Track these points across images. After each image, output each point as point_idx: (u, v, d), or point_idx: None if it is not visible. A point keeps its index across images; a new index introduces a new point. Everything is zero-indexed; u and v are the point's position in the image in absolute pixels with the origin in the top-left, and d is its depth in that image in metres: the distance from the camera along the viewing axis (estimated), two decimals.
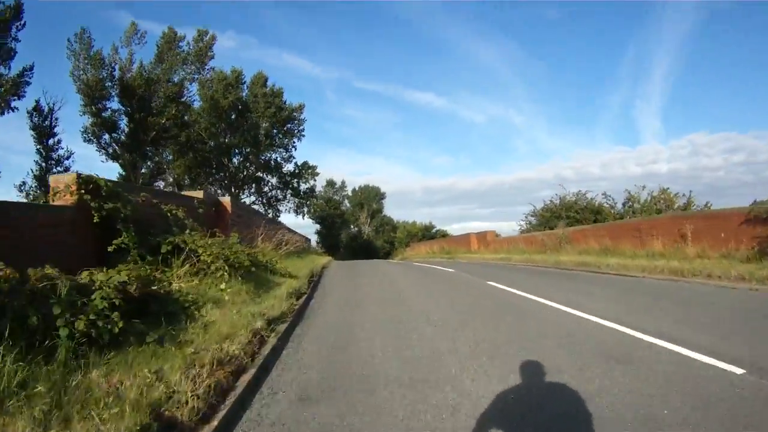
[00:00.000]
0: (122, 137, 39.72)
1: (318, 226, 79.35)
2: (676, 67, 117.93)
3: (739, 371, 4.56)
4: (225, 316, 6.60)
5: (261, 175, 51.88)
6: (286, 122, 50.29)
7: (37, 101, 36.20)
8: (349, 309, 9.27)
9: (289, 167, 52.96)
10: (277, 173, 52.61)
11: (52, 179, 8.33)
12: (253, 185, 51.65)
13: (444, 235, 71.76)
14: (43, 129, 36.34)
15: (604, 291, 10.32)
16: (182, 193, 12.88)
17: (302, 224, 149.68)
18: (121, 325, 4.79)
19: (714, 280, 10.85)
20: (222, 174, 49.92)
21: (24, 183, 36.71)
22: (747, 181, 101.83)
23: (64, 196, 7.75)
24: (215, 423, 3.71)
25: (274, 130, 50.14)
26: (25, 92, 33.25)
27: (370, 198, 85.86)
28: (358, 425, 3.71)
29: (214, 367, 4.54)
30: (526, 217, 31.71)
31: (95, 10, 62.99)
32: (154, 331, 5.19)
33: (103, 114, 38.51)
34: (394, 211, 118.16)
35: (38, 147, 36.31)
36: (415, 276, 15.23)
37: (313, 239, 76.95)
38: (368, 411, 3.96)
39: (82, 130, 39.05)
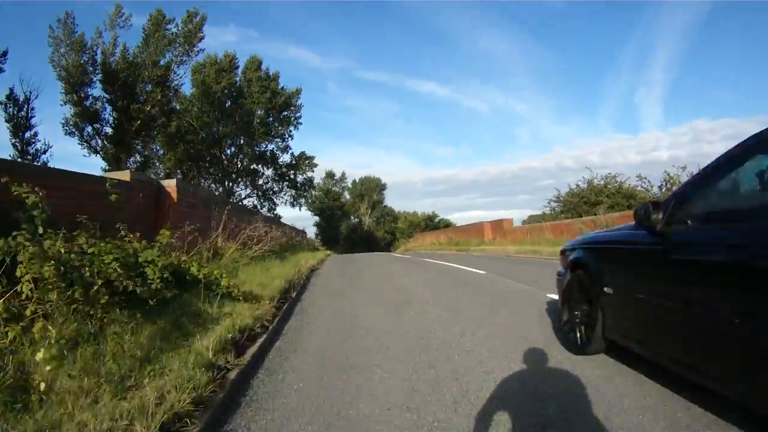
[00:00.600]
0: (105, 128, 37.00)
1: (317, 219, 77.20)
2: (678, 54, 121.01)
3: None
4: None
5: (256, 167, 49.16)
6: (282, 109, 47.37)
7: (11, 89, 33.15)
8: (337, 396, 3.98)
9: (285, 158, 50.34)
10: (273, 165, 49.86)
11: None
12: (248, 178, 48.97)
13: (447, 224, 69.38)
14: (19, 120, 33.41)
15: None
16: (104, 174, 8.68)
17: (302, 216, 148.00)
18: None
19: None
20: (216, 168, 47.21)
21: None
22: None
23: None
24: None
25: (270, 118, 47.31)
26: None
27: (371, 189, 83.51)
28: None
29: None
30: (549, 203, 29.25)
31: None
32: None
33: (84, 102, 35.58)
34: (395, 202, 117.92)
35: (13, 141, 33.37)
36: (437, 284, 10.38)
37: (312, 232, 74.81)
38: None
39: (62, 121, 36.24)
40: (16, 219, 4.32)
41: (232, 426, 3.37)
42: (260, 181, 50.55)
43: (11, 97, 33.11)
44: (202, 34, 37.44)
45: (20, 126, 33.62)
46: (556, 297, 6.05)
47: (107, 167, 37.00)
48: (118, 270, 4.83)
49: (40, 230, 4.26)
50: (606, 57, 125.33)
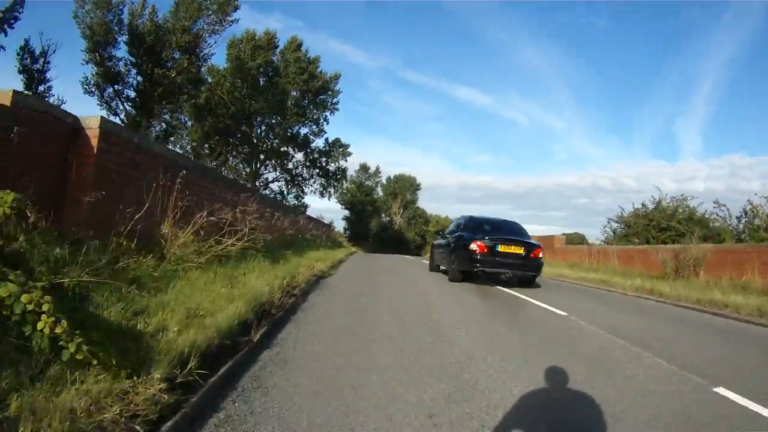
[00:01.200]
0: (127, 91, 34.42)
1: (347, 212, 74.64)
2: (723, 85, 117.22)
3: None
4: None
5: (286, 149, 46.07)
6: (318, 93, 44.06)
7: (26, 40, 30.50)
8: None
9: (318, 143, 47.20)
10: (305, 149, 46.70)
11: None
12: (276, 160, 46.04)
13: None
14: (33, 73, 30.79)
15: None
16: None
17: (332, 209, 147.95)
18: None
19: None
20: (245, 146, 44.34)
21: None
22: None
23: None
24: None
25: (305, 101, 44.14)
26: (13, 25, 27.72)
27: (405, 188, 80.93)
28: None
29: None
30: (608, 222, 25.20)
31: None
32: None
33: (107, 63, 33.02)
34: (426, 204, 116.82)
35: (26, 92, 30.62)
36: (515, 344, 5.99)
37: (341, 225, 73.35)
38: None
39: (82, 80, 33.70)
40: None
41: None
42: (290, 165, 47.63)
43: (26, 47, 30.38)
44: (236, 3, 34.25)
45: (34, 79, 31.05)
46: None
47: None
48: None
49: None
50: (648, 82, 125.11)
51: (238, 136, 43.18)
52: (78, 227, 5.51)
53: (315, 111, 45.43)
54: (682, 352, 6.13)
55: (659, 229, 21.20)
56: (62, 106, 30.25)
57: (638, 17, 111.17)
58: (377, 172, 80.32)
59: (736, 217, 20.86)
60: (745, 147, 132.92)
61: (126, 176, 6.64)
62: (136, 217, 6.10)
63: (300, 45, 43.06)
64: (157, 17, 32.76)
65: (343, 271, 14.60)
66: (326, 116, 46.23)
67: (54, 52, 31.09)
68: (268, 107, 40.79)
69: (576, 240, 75.88)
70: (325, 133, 47.03)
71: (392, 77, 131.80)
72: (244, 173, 45.86)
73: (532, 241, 13.72)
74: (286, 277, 8.34)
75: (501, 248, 12.62)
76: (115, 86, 34.05)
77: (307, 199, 48.19)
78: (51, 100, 31.02)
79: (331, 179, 48.58)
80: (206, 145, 43.88)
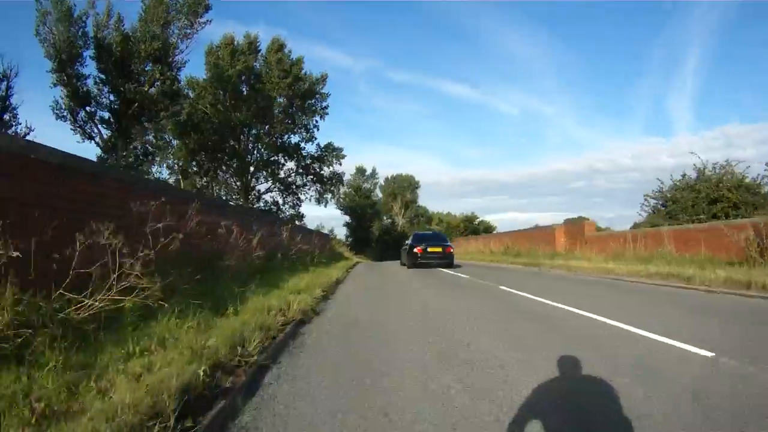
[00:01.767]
0: (103, 112, 31.92)
1: (347, 218, 72.27)
2: (710, 56, 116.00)
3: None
4: None
5: (276, 158, 43.58)
6: (305, 96, 41.41)
7: None
8: None
9: (310, 149, 44.71)
10: (296, 156, 44.06)
11: None
12: (267, 170, 43.60)
13: (488, 227, 62.93)
14: None
15: None
16: None
17: (333, 216, 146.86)
18: None
19: None
20: (233, 160, 41.80)
21: None
22: None
23: None
24: None
25: (292, 108, 41.59)
26: None
27: (404, 187, 78.73)
28: None
29: None
30: (646, 200, 22.34)
31: None
32: None
33: (75, 82, 30.44)
34: (424, 202, 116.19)
35: None
36: None
37: (342, 232, 71.97)
38: None
39: (52, 104, 31.11)
40: None
41: None
42: (280, 174, 45.12)
43: None
44: (207, 2, 31.68)
45: None
46: None
47: (103, 155, 32.13)
48: None
49: None
50: (635, 59, 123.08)
51: (226, 150, 40.60)
52: None
53: (304, 117, 43.02)
54: None
55: (709, 201, 18.48)
56: (28, 135, 27.98)
57: None
58: (374, 173, 77.77)
59: None
60: (737, 115, 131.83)
61: None
62: None
63: (282, 46, 40.32)
64: (123, 26, 30.39)
65: (336, 304, 9.97)
66: (316, 121, 43.75)
67: (17, 75, 28.58)
68: (253, 116, 38.23)
69: (575, 223, 73.90)
70: (316, 139, 44.65)
71: (379, 78, 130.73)
72: (235, 187, 43.36)
73: (447, 243, 24.56)
74: (204, 363, 3.93)
75: (430, 249, 23.04)
76: (87, 108, 31.54)
77: (305, 209, 45.61)
78: (18, 128, 28.68)
79: (327, 184, 46.02)
80: (194, 163, 41.33)
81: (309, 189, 46.00)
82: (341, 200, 66.83)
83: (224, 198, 45.14)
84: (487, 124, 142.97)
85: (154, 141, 41.22)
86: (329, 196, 46.86)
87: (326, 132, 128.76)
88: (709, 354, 4.95)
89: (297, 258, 17.44)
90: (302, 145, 44.24)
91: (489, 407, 3.52)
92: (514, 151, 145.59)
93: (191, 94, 38.41)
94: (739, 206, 17.77)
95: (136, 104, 30.84)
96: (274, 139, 41.98)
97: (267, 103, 38.33)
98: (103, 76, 30.70)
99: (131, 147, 34.59)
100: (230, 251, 9.77)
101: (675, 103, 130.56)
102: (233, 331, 5.08)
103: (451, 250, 23.54)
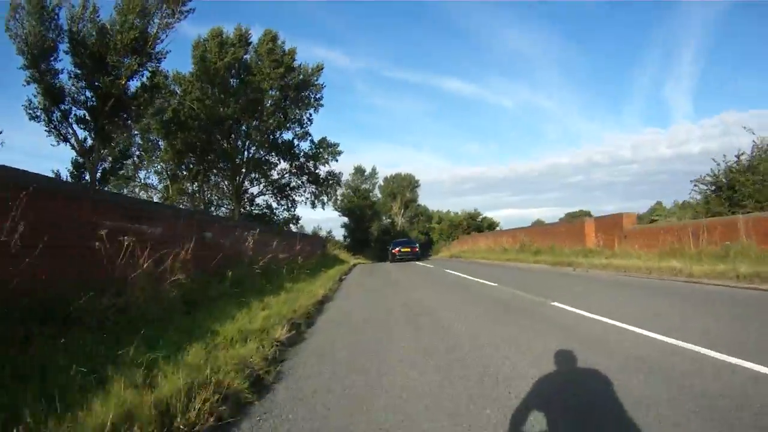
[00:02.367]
0: (76, 110, 29.22)
1: (345, 219, 70.11)
2: (706, 45, 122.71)
3: None
4: None
5: (268, 157, 41.06)
6: (299, 88, 38.71)
7: None
8: None
9: (304, 146, 42.08)
10: (289, 155, 41.53)
11: None
12: (259, 171, 41.06)
13: (491, 224, 60.43)
14: None
15: None
16: None
17: (331, 218, 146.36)
18: None
19: None
20: (224, 161, 39.08)
21: None
22: None
23: None
24: None
25: (285, 100, 38.88)
26: None
27: (403, 187, 76.98)
28: None
29: None
30: (696, 186, 19.58)
31: None
32: None
33: (47, 78, 27.85)
34: (424, 200, 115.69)
35: None
36: None
37: (340, 234, 69.94)
38: None
39: (25, 104, 28.72)
40: None
41: None
42: (275, 175, 42.58)
43: None
44: None
45: None
46: None
47: (78, 158, 29.65)
48: None
49: None
50: (632, 50, 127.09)
51: (215, 149, 37.85)
52: None
53: (297, 110, 40.36)
54: None
55: None
56: None
57: None
58: (374, 173, 75.78)
59: None
60: (734, 103, 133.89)
61: None
62: None
63: (275, 37, 37.44)
64: (99, 17, 27.78)
65: (308, 358, 5.78)
66: (310, 114, 41.12)
67: None
68: (242, 110, 35.47)
69: (574, 216, 71.45)
70: (310, 135, 42.09)
71: (376, 77, 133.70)
72: (227, 191, 40.72)
73: (415, 245, 37.79)
74: None
75: (402, 250, 35.76)
76: (62, 106, 28.92)
77: (302, 212, 43.28)
78: None
79: (323, 185, 43.45)
80: (183, 165, 38.98)
81: (304, 191, 43.54)
82: (339, 202, 64.22)
83: (215, 204, 42.69)
84: (486, 119, 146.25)
85: (140, 143, 39.01)
86: (325, 198, 44.19)
87: (323, 132, 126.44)
88: None
89: (271, 271, 13.55)
90: (295, 142, 41.66)
91: None
92: (512, 147, 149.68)
93: (178, 91, 35.98)
94: None
95: (112, 99, 28.21)
96: (265, 135, 39.32)
97: (257, 96, 35.55)
98: (78, 71, 28.07)
99: (112, 147, 32.13)
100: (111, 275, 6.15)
101: (672, 93, 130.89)
102: None
103: (417, 250, 37.41)
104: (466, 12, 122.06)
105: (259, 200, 42.97)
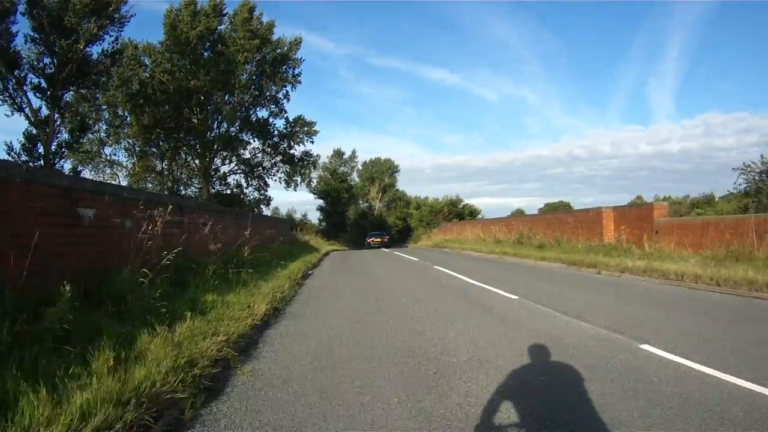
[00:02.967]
0: (32, 76, 26.80)
1: (320, 202, 68.13)
2: (691, 45, 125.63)
3: None
4: None
5: (240, 135, 38.83)
6: (275, 63, 36.46)
7: None
8: None
9: (278, 124, 39.45)
10: (262, 134, 39.21)
11: None
12: (229, 148, 38.50)
13: (472, 211, 58.37)
14: None
15: None
16: None
17: (306, 201, 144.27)
18: None
19: None
20: (193, 137, 36.16)
21: None
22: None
23: None
24: None
25: (261, 75, 36.31)
26: None
27: (382, 171, 75.84)
28: None
29: None
30: (743, 171, 17.51)
31: None
32: None
33: (2, 42, 25.16)
34: (403, 187, 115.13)
35: None
36: None
37: (315, 217, 68.63)
38: None
39: None
40: None
41: None
42: (246, 155, 40.53)
43: None
44: None
45: None
46: None
47: (32, 130, 27.00)
48: None
49: None
50: (617, 48, 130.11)
51: (184, 124, 35.03)
52: None
53: (273, 87, 38.03)
54: None
55: None
56: None
57: None
58: (353, 156, 74.52)
59: None
60: (718, 104, 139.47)
61: None
62: None
63: (252, 9, 35.10)
64: None
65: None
66: (287, 92, 38.95)
67: None
68: (212, 83, 32.56)
69: (553, 208, 70.13)
70: (286, 112, 39.77)
71: (360, 64, 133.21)
72: (197, 169, 37.80)
73: (385, 235, 50.17)
74: None
75: (375, 239, 47.21)
76: (17, 73, 26.44)
77: (275, 193, 40.82)
78: None
79: (297, 166, 41.34)
80: (152, 143, 36.54)
81: (277, 171, 41.54)
82: (315, 184, 61.96)
83: (184, 182, 39.93)
84: (468, 111, 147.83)
85: (108, 118, 36.12)
86: (299, 179, 42.20)
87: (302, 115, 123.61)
88: None
89: (185, 269, 9.03)
90: (270, 120, 39.47)
91: None
92: (494, 138, 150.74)
93: (147, 62, 33.48)
94: None
95: (70, 66, 25.66)
96: (238, 112, 37.10)
97: (229, 68, 32.81)
98: (35, 35, 25.84)
99: (71, 117, 29.30)
100: None
101: (655, 93, 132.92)
102: None
103: (386, 240, 48.41)
104: (454, 2, 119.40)
105: (230, 179, 40.76)
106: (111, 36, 27.25)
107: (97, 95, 31.68)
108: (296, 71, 37.82)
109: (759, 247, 12.44)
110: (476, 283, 12.82)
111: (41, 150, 27.11)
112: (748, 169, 17.16)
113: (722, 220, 15.36)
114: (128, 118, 35.46)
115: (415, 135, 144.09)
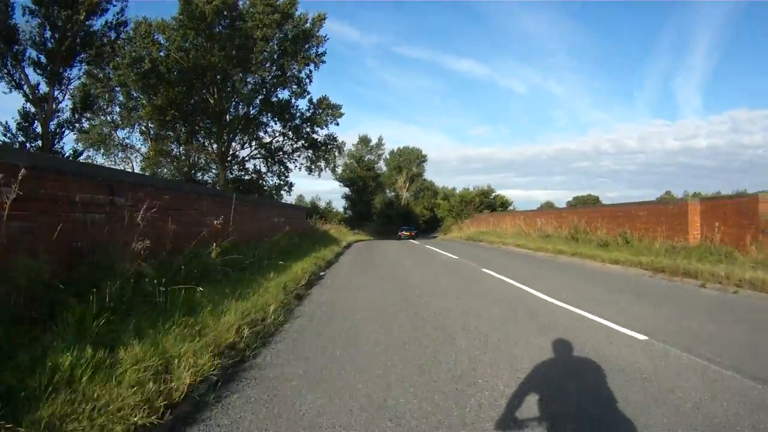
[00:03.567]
0: (30, 51, 25.14)
1: (346, 190, 66.58)
2: (720, 41, 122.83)
3: None
4: None
5: (260, 118, 36.47)
6: (297, 41, 33.42)
7: None
8: None
9: (301, 105, 36.64)
10: (282, 116, 36.56)
11: None
12: (248, 131, 36.39)
13: (504, 202, 55.03)
14: None
15: None
16: None
17: (333, 190, 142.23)
18: None
19: None
20: (210, 118, 33.81)
21: None
22: None
23: None
24: None
25: (282, 54, 33.62)
26: None
27: (410, 161, 73.94)
28: None
29: None
30: None
31: None
32: None
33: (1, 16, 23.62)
34: (430, 178, 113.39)
35: None
36: None
37: (340, 205, 67.33)
38: None
39: None
40: None
41: None
42: (266, 138, 37.87)
43: None
44: None
45: None
46: None
47: (30, 107, 25.08)
48: None
49: None
50: (646, 41, 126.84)
51: (199, 105, 32.81)
52: None
53: (294, 66, 34.93)
54: None
55: None
56: None
57: None
58: (380, 143, 71.80)
59: None
60: (746, 101, 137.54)
61: None
62: None
63: None
64: None
65: None
66: (310, 71, 35.95)
67: None
68: (229, 61, 29.75)
69: (582, 202, 66.96)
70: (309, 93, 36.76)
71: (388, 54, 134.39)
72: (214, 153, 35.28)
73: (413, 230, 54.85)
74: None
75: (405, 233, 51.90)
76: (15, 48, 24.58)
77: (298, 180, 38.07)
78: None
79: (320, 150, 38.45)
80: (167, 125, 34.33)
81: (299, 156, 38.76)
82: (340, 171, 60.82)
83: (202, 167, 37.51)
84: (496, 102, 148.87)
85: (122, 100, 33.91)
86: (323, 164, 39.30)
87: (326, 96, 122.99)
88: None
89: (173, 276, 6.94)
90: (292, 101, 36.67)
91: None
92: (520, 130, 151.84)
93: (162, 40, 31.19)
94: None
95: (70, 38, 23.56)
96: (258, 93, 34.79)
97: (246, 43, 30.38)
98: (35, 7, 23.82)
99: (71, 95, 27.28)
100: None
101: (682, 88, 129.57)
102: None
103: (414, 234, 52.91)
104: None
105: (249, 165, 38.52)
106: (115, 6, 25.46)
107: (110, 75, 29.67)
108: (320, 49, 34.94)
109: None
110: (566, 306, 8.47)
111: (38, 129, 25.08)
112: None
113: None
114: (141, 98, 33.31)
115: (442, 125, 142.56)
